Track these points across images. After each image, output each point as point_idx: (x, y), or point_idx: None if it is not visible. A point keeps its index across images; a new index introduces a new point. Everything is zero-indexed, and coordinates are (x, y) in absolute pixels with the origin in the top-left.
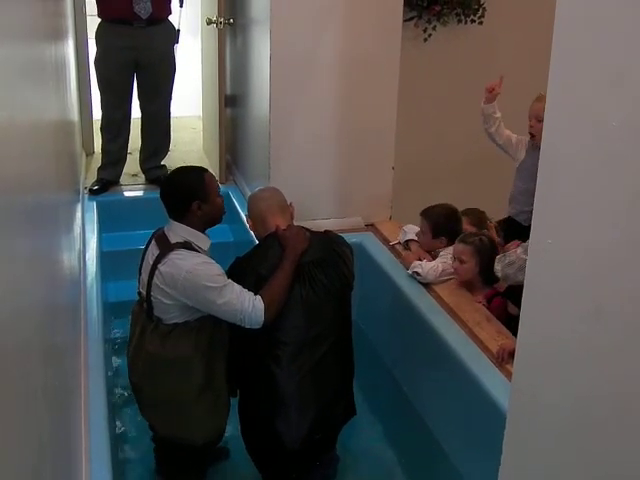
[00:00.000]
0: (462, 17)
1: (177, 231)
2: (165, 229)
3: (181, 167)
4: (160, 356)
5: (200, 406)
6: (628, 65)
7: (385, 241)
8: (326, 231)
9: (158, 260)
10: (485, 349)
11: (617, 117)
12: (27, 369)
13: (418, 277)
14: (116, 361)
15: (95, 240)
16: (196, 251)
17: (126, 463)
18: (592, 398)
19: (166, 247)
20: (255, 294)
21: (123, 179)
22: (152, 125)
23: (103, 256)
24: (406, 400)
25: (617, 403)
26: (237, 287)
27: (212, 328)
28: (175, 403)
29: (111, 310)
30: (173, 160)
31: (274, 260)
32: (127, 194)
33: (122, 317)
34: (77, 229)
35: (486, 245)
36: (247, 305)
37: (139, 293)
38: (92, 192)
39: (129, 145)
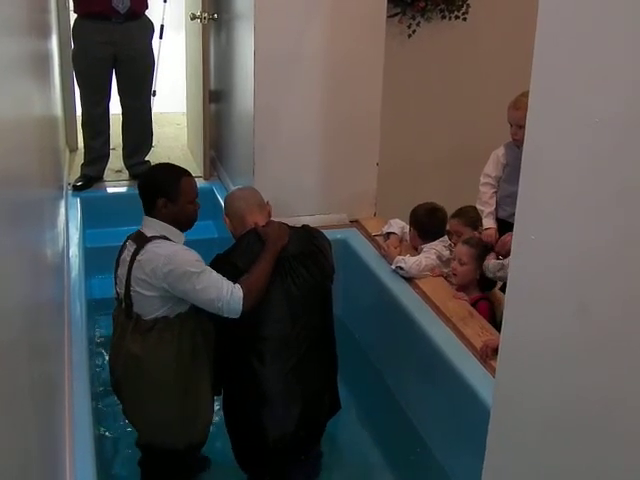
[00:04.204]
0: (446, 13)
1: (152, 225)
2: (141, 228)
3: (162, 163)
4: (141, 356)
5: (181, 408)
6: (611, 61)
7: (369, 237)
8: (304, 226)
9: (136, 252)
10: (469, 345)
11: (600, 113)
12: (12, 367)
13: (401, 272)
14: (100, 358)
15: (79, 236)
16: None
17: (110, 461)
18: (575, 396)
19: (143, 240)
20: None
21: (107, 175)
22: (133, 121)
23: (87, 252)
24: (390, 395)
25: (601, 401)
26: (215, 274)
27: (194, 327)
28: (155, 405)
29: (95, 306)
30: (157, 156)
31: (254, 256)
32: (111, 190)
33: (106, 313)
34: (61, 225)
35: (489, 252)
36: (225, 293)
37: (116, 297)
38: (76, 188)
39: (112, 141)
